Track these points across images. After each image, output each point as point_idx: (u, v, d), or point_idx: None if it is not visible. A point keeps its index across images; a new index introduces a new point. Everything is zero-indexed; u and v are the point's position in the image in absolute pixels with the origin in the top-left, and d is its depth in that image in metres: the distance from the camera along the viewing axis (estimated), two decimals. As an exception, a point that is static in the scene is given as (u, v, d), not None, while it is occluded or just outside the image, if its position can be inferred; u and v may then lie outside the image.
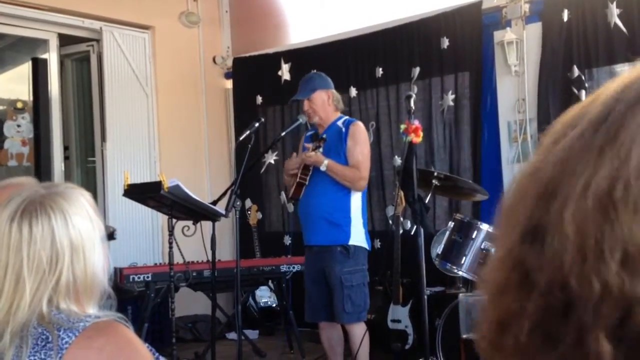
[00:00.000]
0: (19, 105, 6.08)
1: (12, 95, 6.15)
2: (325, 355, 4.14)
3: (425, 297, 3.38)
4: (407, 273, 4.22)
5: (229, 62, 6.72)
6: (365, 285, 3.88)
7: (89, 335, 1.26)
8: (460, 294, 3.66)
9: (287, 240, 6.10)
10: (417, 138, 3.41)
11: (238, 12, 6.78)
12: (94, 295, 1.36)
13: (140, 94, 6.15)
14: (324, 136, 3.92)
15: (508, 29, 4.97)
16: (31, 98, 5.74)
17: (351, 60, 5.77)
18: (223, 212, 3.83)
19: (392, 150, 5.52)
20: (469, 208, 4.96)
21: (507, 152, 5.02)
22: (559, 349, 0.41)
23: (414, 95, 3.54)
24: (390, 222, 5.15)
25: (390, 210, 5.45)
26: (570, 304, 0.41)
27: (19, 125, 6.04)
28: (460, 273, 3.81)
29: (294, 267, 5.16)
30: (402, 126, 3.48)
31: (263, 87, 6.36)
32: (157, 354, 1.37)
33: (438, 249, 3.92)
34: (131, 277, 4.67)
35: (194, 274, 4.74)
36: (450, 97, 5.21)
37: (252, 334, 5.64)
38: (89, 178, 6.34)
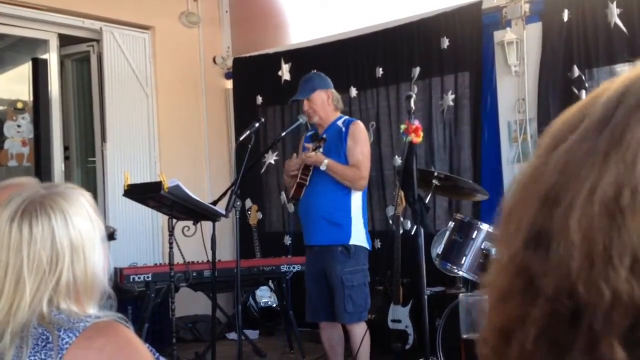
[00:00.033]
0: (19, 105, 6.08)
1: (12, 95, 6.15)
2: (325, 355, 4.13)
3: (426, 297, 3.38)
4: (407, 273, 4.22)
5: (229, 62, 6.72)
6: (366, 285, 3.88)
7: (89, 335, 1.26)
8: (461, 294, 3.65)
9: (287, 240, 6.09)
10: (417, 138, 3.41)
11: (238, 12, 6.78)
12: (94, 295, 1.36)
13: (140, 94, 6.15)
14: (324, 136, 3.92)
15: (508, 29, 4.96)
16: (31, 98, 5.74)
17: (351, 60, 5.77)
18: (223, 212, 3.82)
19: (392, 150, 5.52)
20: (469, 208, 4.96)
21: (507, 152, 5.02)
22: (568, 356, 0.41)
23: (414, 95, 3.54)
24: (391, 222, 5.15)
25: (390, 210, 5.44)
26: (578, 311, 0.40)
27: (19, 126, 6.04)
28: (461, 273, 3.81)
29: (294, 267, 5.15)
30: (402, 126, 3.48)
31: (263, 87, 6.35)
32: (157, 354, 1.37)
33: (438, 249, 3.92)
34: (131, 277, 4.67)
35: (194, 274, 4.73)
36: (450, 97, 5.21)
37: (253, 334, 5.64)
38: (89, 178, 6.34)
